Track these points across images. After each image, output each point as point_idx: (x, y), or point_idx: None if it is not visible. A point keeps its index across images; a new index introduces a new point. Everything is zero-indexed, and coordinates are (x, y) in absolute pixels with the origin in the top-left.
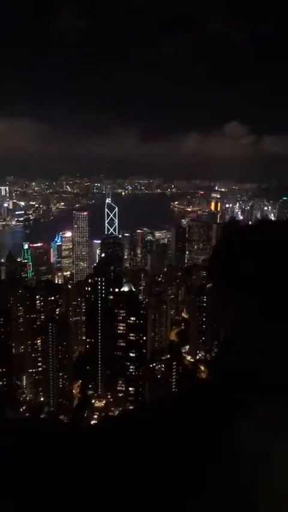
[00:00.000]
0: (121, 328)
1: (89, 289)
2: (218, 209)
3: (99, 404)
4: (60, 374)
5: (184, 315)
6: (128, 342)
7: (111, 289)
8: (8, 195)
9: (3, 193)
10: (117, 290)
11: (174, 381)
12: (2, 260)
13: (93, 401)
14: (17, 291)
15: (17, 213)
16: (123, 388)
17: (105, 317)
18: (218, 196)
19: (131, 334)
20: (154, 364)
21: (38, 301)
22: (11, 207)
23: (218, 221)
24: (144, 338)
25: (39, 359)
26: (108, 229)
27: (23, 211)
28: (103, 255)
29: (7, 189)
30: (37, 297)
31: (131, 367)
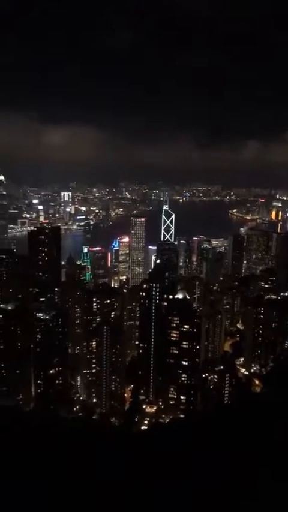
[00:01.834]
0: (174, 335)
1: (144, 294)
2: (279, 218)
3: (150, 410)
4: (113, 377)
5: (239, 326)
6: (181, 350)
7: (165, 296)
8: (70, 200)
9: (66, 198)
10: (171, 297)
11: (226, 392)
12: (63, 262)
13: (144, 406)
14: (76, 293)
15: (78, 217)
16: (175, 396)
17: (158, 323)
18: (280, 205)
19: (184, 342)
20: (207, 374)
21: (94, 304)
22: (73, 211)
23: (279, 230)
24: (198, 347)
25: (93, 360)
26: (165, 236)
27: (83, 216)
28: (158, 261)
29: (70, 194)
30: (94, 299)
31: (183, 375)
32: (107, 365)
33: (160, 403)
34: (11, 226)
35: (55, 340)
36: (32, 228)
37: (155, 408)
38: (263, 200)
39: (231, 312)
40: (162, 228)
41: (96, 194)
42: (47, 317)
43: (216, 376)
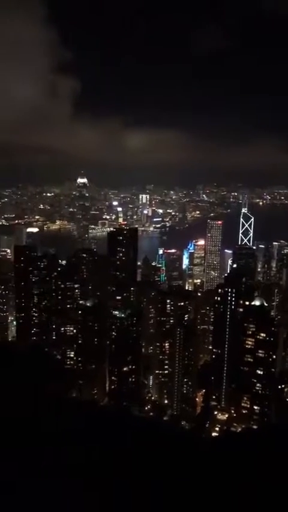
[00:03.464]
0: (249, 343)
1: (219, 299)
2: None
3: (221, 417)
4: (185, 380)
5: None
6: (256, 359)
7: (241, 302)
8: (148, 202)
9: (144, 200)
10: (247, 303)
11: None
12: (139, 263)
13: (215, 413)
14: (150, 294)
15: (155, 219)
16: (248, 405)
17: (233, 329)
18: None
19: (260, 351)
20: (283, 386)
21: (168, 305)
22: (150, 214)
23: None
24: (274, 357)
25: (166, 362)
26: (242, 240)
27: (160, 219)
28: (235, 265)
29: (147, 197)
30: (168, 301)
31: (258, 384)
32: (180, 367)
33: (232, 411)
34: (91, 226)
35: (130, 338)
36: (111, 229)
37: (226, 416)
38: None
39: None
40: (240, 231)
41: (173, 197)
42: (123, 315)
43: None
